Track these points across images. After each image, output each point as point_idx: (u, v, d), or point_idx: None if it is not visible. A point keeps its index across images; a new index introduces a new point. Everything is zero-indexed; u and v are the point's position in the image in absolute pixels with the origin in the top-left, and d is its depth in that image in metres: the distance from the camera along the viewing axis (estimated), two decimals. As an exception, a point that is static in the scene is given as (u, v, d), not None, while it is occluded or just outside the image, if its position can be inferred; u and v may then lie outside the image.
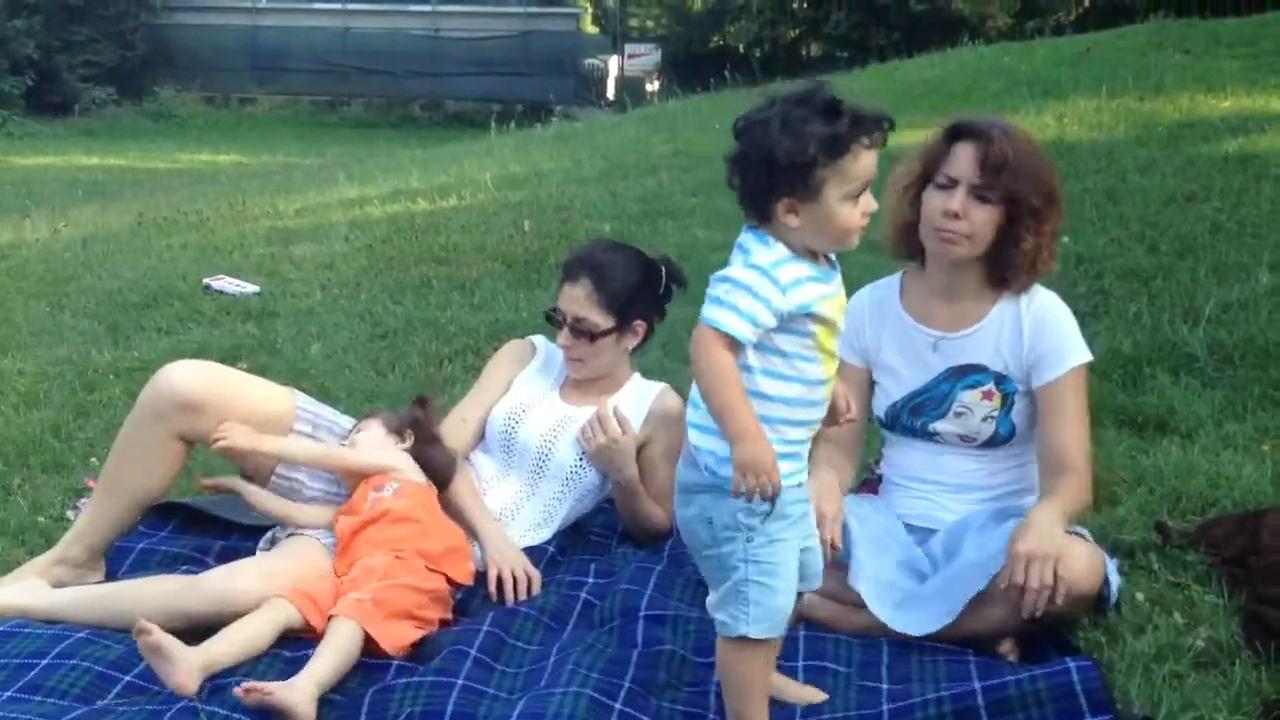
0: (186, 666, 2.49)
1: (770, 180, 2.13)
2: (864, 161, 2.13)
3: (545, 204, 8.00)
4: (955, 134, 2.90)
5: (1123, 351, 4.59)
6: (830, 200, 2.13)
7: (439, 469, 3.18)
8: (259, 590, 2.74)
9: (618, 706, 2.44)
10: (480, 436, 3.42)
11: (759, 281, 2.15)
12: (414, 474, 3.12)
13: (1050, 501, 2.80)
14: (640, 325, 3.40)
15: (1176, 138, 7.55)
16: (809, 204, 2.13)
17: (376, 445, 3.15)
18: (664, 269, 3.43)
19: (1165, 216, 6.31)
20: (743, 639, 2.20)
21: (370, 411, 3.36)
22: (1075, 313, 5.08)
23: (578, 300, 3.33)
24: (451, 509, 3.20)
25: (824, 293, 2.19)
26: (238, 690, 2.41)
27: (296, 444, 3.11)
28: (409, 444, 3.19)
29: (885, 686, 2.57)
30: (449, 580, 2.95)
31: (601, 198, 8.04)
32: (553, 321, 3.40)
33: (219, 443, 3.00)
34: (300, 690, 2.43)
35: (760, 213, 2.19)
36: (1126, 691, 2.46)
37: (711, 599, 2.27)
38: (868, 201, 2.18)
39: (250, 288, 6.37)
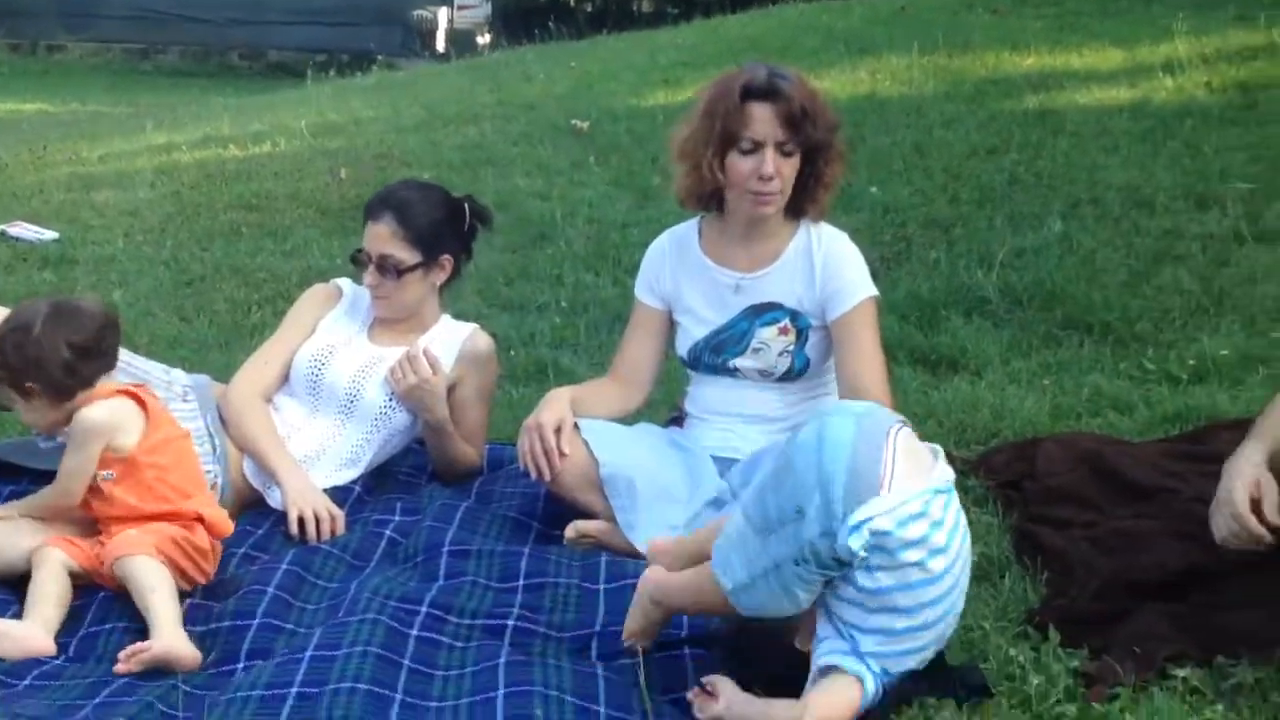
0: (34, 633, 2.51)
1: None
2: None
3: (363, 152, 7.87)
4: (747, 94, 2.94)
5: (921, 295, 4.78)
6: None
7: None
8: (31, 545, 2.69)
9: (414, 633, 2.45)
10: (283, 380, 3.37)
11: None
12: (125, 432, 2.74)
13: None
14: (447, 260, 3.40)
15: (981, 94, 7.83)
16: None
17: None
18: (468, 206, 3.44)
19: (967, 168, 6.56)
20: None
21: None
22: (879, 259, 5.34)
23: (382, 237, 3.31)
24: (250, 452, 3.16)
25: None
26: (118, 668, 2.40)
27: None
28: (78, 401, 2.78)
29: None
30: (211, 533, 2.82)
31: (421, 146, 7.94)
32: (358, 263, 3.38)
33: None
34: (169, 635, 2.45)
35: None
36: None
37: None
38: None
39: (49, 234, 6.12)
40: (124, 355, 3.16)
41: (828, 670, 2.10)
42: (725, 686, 2.19)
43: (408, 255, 3.31)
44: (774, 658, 2.28)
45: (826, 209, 3.09)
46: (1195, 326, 4.34)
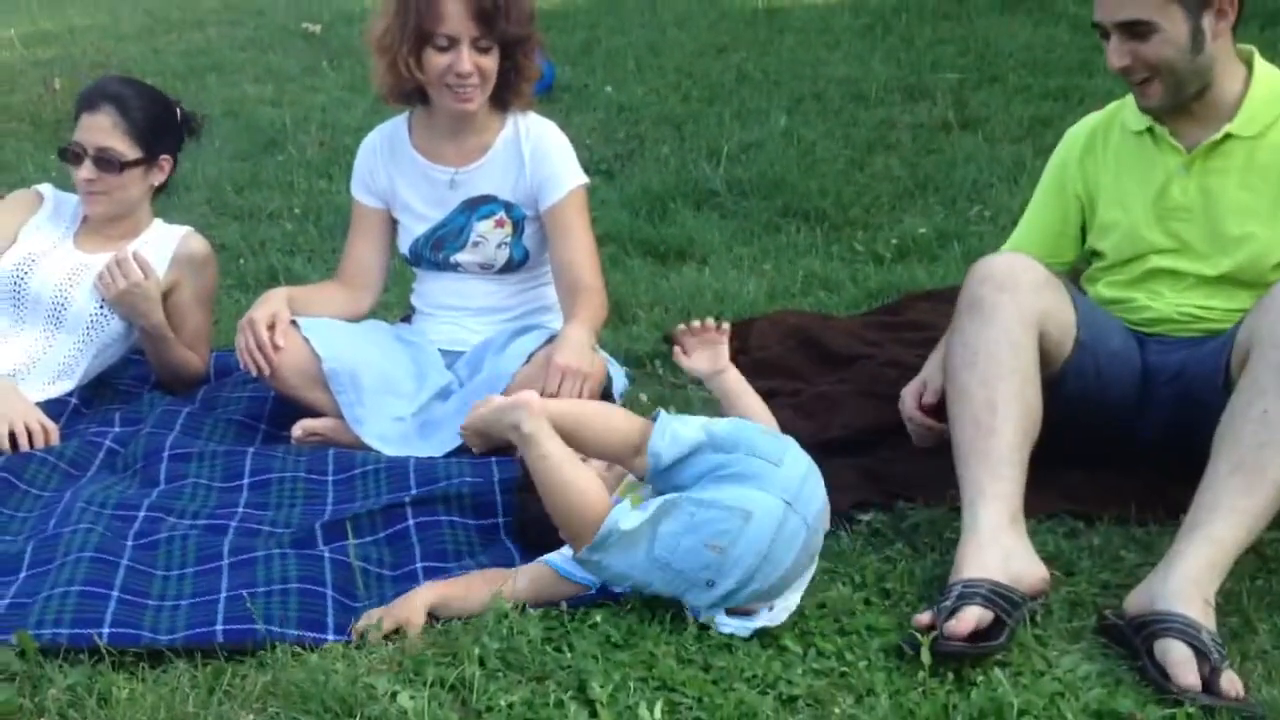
0: None
1: None
2: None
3: (79, 61, 7.46)
4: None
5: (652, 189, 4.91)
6: None
7: None
8: None
9: (130, 540, 2.43)
10: None
11: None
12: None
13: (578, 319, 2.96)
14: (166, 161, 3.30)
15: (714, -8, 8.00)
16: None
17: None
18: (179, 110, 3.35)
19: (699, 66, 6.72)
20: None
21: None
22: (613, 157, 5.44)
23: (103, 129, 3.18)
24: None
25: None
26: None
27: None
28: None
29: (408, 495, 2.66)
30: None
31: (143, 54, 7.59)
32: (69, 158, 3.23)
33: None
34: None
35: None
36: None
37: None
38: None
39: None
40: None
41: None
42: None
43: (129, 150, 3.20)
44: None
45: (531, 100, 3.12)
46: (901, 209, 4.61)
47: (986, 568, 2.12)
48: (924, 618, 2.09)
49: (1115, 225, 2.64)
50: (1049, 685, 1.93)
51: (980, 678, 1.95)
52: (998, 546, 2.16)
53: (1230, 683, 1.92)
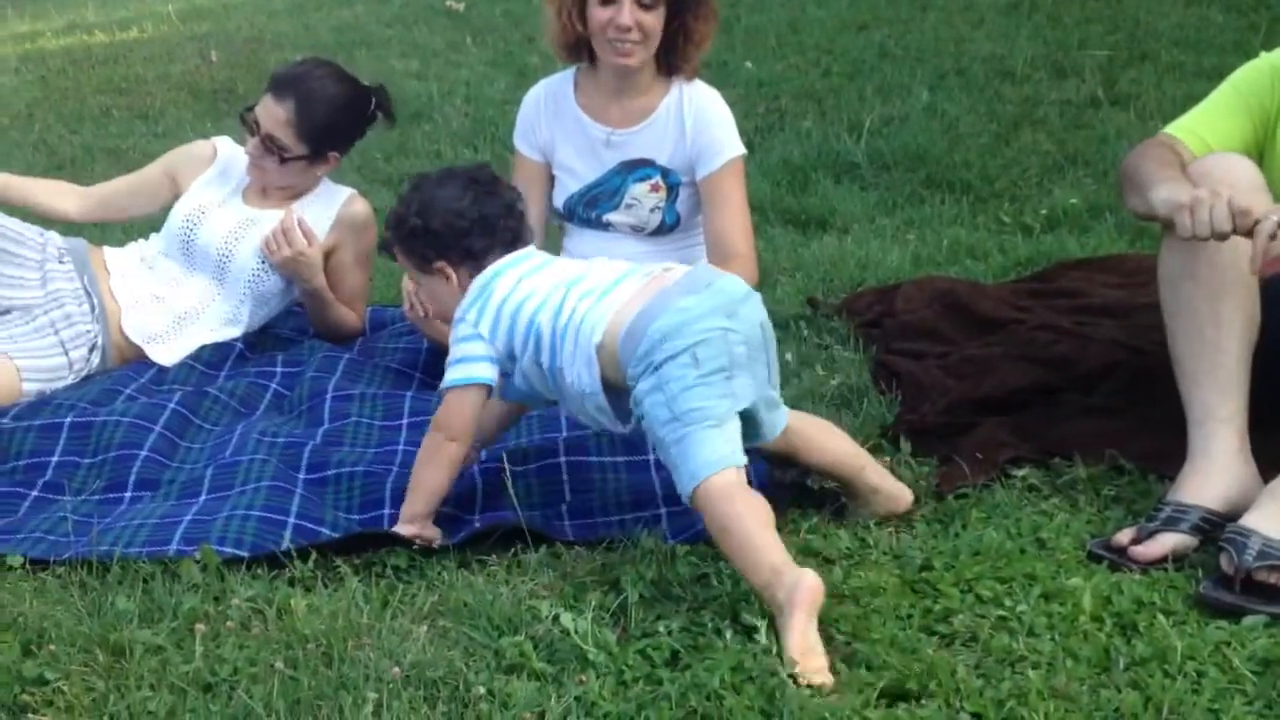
0: None
1: None
2: None
3: (234, 35, 7.73)
4: None
5: (793, 161, 4.91)
6: None
7: None
8: None
9: (301, 477, 2.54)
10: (107, 208, 3.49)
11: None
12: None
13: None
14: (334, 157, 3.38)
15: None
16: None
17: None
18: (375, 99, 3.40)
19: (839, 43, 6.69)
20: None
21: None
22: (753, 130, 5.45)
23: (277, 120, 3.26)
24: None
25: None
26: None
27: None
28: None
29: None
30: None
31: (294, 29, 7.82)
32: (245, 123, 3.35)
33: None
34: None
35: None
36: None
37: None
38: None
39: (-91, 120, 5.95)
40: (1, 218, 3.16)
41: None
42: None
43: (295, 146, 3.28)
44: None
45: (697, 67, 3.13)
46: (1050, 182, 4.55)
47: (1204, 495, 2.13)
48: (1125, 535, 2.10)
49: None
50: (1214, 633, 1.91)
51: (1144, 623, 1.94)
52: (1227, 474, 2.16)
53: None
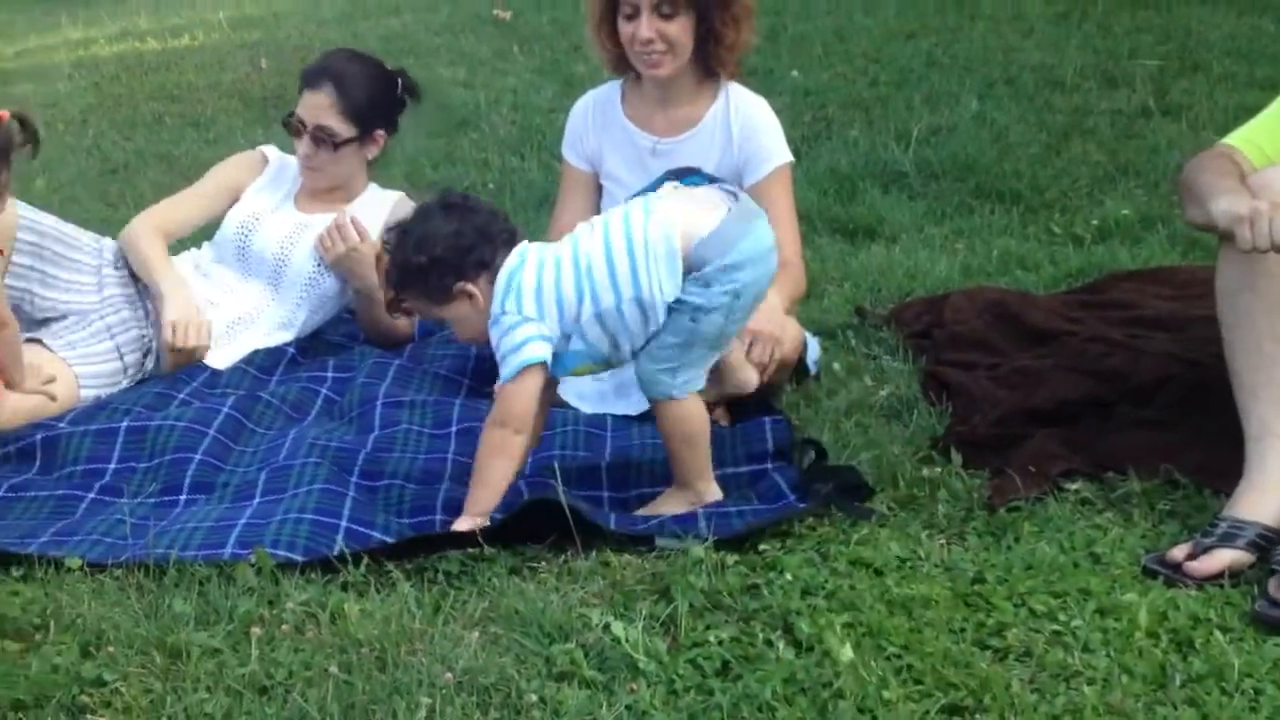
0: None
1: None
2: None
3: (284, 43, 7.80)
4: None
5: (840, 170, 4.90)
6: None
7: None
8: None
9: (353, 481, 2.56)
10: (181, 229, 3.47)
11: None
12: None
13: (775, 289, 3.00)
14: (381, 135, 3.45)
15: (900, -21, 7.90)
16: None
17: None
18: (400, 80, 3.48)
19: (887, 52, 6.67)
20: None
21: None
22: (799, 139, 5.44)
23: (321, 108, 3.34)
24: (141, 273, 3.25)
25: None
26: None
27: None
28: None
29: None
30: None
31: (343, 37, 7.84)
32: (291, 129, 3.40)
33: None
34: None
35: None
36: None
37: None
38: None
39: (-35, 126, 6.03)
40: (55, 222, 3.21)
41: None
42: None
43: (344, 129, 3.35)
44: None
45: (736, 69, 3.13)
46: (1101, 193, 4.51)
47: (1260, 511, 2.12)
48: (1180, 550, 2.09)
49: None
50: (1271, 651, 1.89)
51: (1200, 640, 1.92)
52: None
53: None
